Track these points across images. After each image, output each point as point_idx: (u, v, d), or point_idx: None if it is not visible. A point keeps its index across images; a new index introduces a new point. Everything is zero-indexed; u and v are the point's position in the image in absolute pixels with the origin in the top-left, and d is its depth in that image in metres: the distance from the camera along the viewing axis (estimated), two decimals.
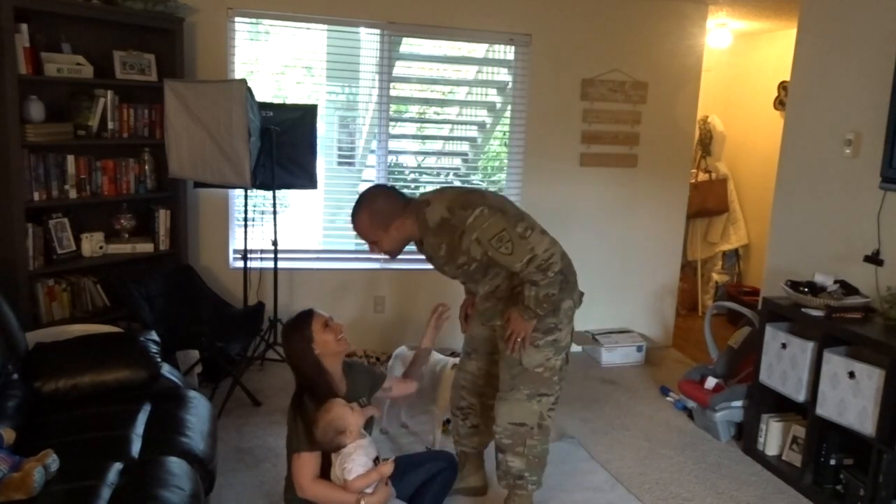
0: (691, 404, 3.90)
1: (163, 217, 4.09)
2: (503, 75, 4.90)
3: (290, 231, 4.75)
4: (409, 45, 4.72)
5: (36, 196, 3.54)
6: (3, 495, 2.00)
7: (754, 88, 6.04)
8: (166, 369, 2.94)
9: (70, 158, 3.67)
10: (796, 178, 3.77)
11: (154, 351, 2.89)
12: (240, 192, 4.28)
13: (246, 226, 4.23)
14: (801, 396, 3.25)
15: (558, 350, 2.66)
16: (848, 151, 3.42)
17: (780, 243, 3.88)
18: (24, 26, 3.34)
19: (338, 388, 2.44)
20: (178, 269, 4.14)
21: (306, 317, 2.43)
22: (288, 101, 4.40)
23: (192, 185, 4.19)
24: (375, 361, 4.45)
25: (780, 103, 5.64)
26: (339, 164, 4.75)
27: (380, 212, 2.48)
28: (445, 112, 5.05)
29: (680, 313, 5.67)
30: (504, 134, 4.91)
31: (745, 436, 3.63)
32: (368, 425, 2.48)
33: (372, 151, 4.71)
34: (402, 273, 4.72)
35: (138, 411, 2.62)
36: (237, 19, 4.27)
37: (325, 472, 2.34)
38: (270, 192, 4.15)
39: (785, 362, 3.33)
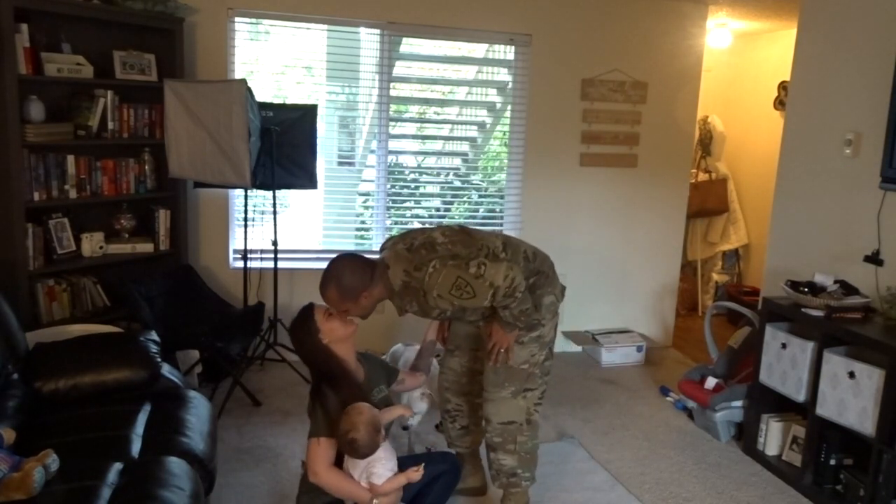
0: (691, 404, 3.90)
1: (163, 217, 4.09)
2: (503, 75, 4.90)
3: (290, 231, 4.74)
4: (409, 45, 4.72)
5: (36, 196, 3.54)
6: (3, 495, 2.00)
7: (754, 88, 6.04)
8: (166, 369, 2.94)
9: (70, 158, 3.67)
10: (796, 178, 3.77)
11: (154, 351, 2.89)
12: (240, 192, 4.28)
13: (246, 226, 4.23)
14: (801, 396, 3.25)
15: (542, 345, 2.69)
16: (848, 151, 3.42)
17: (780, 243, 3.88)
18: (24, 26, 3.34)
19: (355, 373, 2.45)
20: (178, 269, 4.14)
21: (308, 310, 2.46)
22: (288, 101, 4.40)
23: (192, 185, 4.19)
24: None
25: (780, 103, 5.64)
26: (339, 164, 4.75)
27: (347, 287, 2.42)
28: (445, 112, 5.05)
29: (680, 313, 5.67)
30: (504, 134, 4.91)
31: (745, 436, 3.63)
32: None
33: (372, 151, 4.71)
34: None
35: (138, 411, 2.63)
36: (237, 19, 4.27)
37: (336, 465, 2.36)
38: (270, 192, 4.15)
39: (785, 362, 3.33)
